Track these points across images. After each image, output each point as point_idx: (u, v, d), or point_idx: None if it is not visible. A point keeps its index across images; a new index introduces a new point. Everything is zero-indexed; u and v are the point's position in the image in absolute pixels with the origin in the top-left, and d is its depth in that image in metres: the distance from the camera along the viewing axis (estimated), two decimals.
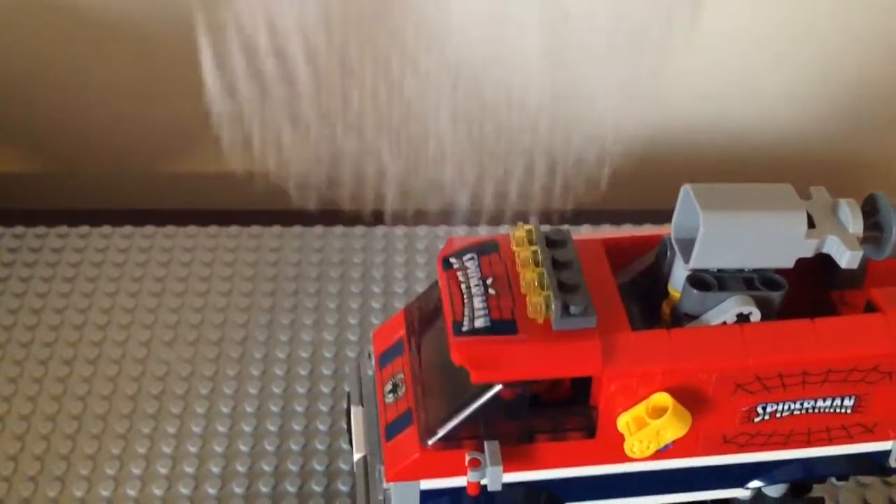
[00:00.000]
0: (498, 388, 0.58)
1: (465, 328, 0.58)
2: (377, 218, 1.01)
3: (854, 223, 0.59)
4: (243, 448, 0.79)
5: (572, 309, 0.57)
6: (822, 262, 0.61)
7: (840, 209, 0.60)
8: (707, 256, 0.58)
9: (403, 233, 0.99)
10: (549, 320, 0.57)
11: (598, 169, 1.14)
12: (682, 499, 0.64)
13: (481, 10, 1.01)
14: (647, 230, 0.67)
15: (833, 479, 0.68)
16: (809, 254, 0.59)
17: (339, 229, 0.99)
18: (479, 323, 0.58)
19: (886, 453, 0.63)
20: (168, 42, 1.01)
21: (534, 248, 0.61)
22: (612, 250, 0.64)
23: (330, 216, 1.01)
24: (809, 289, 0.64)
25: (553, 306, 0.57)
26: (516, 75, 1.05)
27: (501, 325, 0.58)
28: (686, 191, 0.59)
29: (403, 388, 0.63)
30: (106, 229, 0.97)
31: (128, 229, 0.97)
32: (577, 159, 1.12)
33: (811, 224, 0.59)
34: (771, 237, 0.57)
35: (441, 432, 0.59)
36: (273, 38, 0.97)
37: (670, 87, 1.08)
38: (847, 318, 0.60)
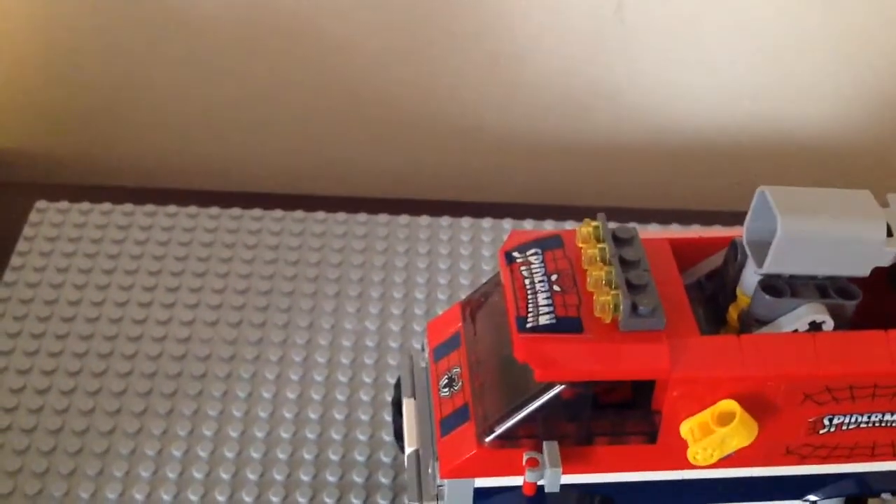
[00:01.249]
0: (560, 387, 0.57)
1: (529, 324, 0.57)
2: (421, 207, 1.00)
3: None
4: (284, 435, 0.77)
5: (641, 309, 0.56)
6: (891, 272, 0.60)
7: None
8: (782, 261, 0.57)
9: (448, 223, 0.98)
10: (616, 320, 0.56)
11: (641, 165, 1.12)
12: None
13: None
14: (715, 231, 0.66)
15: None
16: (887, 263, 0.57)
17: (383, 217, 0.98)
18: (543, 320, 0.57)
19: None
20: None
21: (601, 245, 0.59)
22: (677, 250, 0.63)
23: (371, 203, 1.00)
24: (876, 298, 0.62)
25: (621, 306, 0.56)
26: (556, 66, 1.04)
27: (567, 323, 0.57)
28: (762, 193, 0.58)
29: (460, 383, 0.62)
30: (150, 207, 0.96)
31: (172, 208, 0.96)
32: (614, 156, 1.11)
33: (889, 232, 0.57)
34: (850, 244, 0.56)
35: (499, 430, 0.58)
36: None
37: (708, 81, 1.06)
38: None
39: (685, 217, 1.01)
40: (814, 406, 0.58)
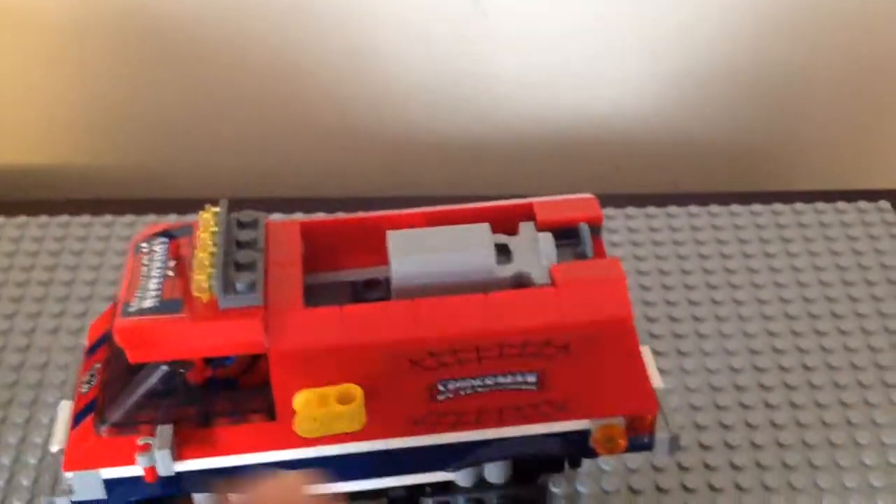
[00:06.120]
0: (164, 369, 0.57)
1: (132, 309, 0.57)
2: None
3: (548, 255, 0.61)
4: None
5: (238, 286, 0.56)
6: None
7: (540, 242, 0.62)
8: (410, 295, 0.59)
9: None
10: (215, 299, 0.57)
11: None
12: (387, 483, 0.62)
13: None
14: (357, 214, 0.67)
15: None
16: (507, 284, 0.60)
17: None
18: (147, 303, 0.57)
19: (585, 433, 0.62)
20: None
21: (214, 229, 0.60)
22: (309, 233, 0.64)
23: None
24: None
25: (216, 283, 0.56)
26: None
27: (168, 305, 0.57)
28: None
29: (96, 378, 0.62)
30: None
31: None
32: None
33: (510, 257, 0.61)
34: (462, 275, 0.59)
35: (112, 418, 0.58)
36: None
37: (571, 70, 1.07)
38: (520, 292, 0.59)
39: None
40: (423, 372, 0.58)
